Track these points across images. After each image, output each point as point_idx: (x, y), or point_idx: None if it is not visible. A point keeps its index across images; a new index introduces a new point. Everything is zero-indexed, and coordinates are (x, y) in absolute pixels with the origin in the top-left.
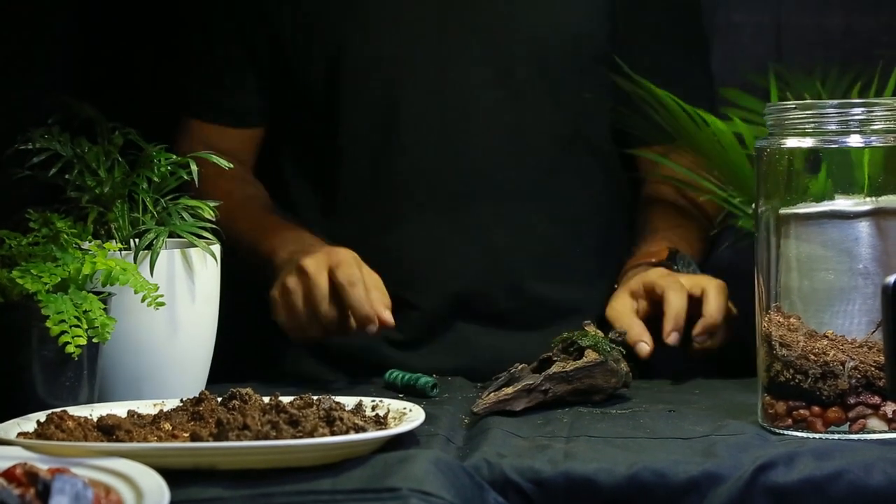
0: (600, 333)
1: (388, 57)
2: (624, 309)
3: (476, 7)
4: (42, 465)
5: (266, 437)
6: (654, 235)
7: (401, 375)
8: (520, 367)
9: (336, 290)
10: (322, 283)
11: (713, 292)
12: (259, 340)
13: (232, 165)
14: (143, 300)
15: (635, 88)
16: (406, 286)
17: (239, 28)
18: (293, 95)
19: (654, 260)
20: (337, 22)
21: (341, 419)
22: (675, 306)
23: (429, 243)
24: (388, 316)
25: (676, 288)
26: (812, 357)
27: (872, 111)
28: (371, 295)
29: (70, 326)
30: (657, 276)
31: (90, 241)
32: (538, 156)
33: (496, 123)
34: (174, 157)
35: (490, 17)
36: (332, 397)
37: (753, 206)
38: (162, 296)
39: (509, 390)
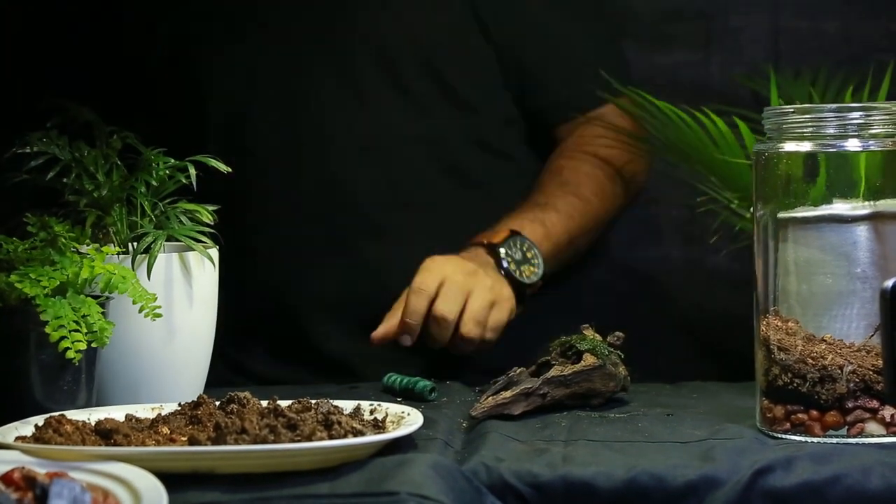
0: (598, 337)
1: (233, 66)
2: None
3: (325, 19)
4: (40, 469)
5: (264, 441)
6: (519, 210)
7: (399, 379)
8: (518, 371)
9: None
10: None
11: (476, 302)
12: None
13: (231, 170)
14: (140, 310)
15: (620, 101)
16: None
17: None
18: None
19: (485, 241)
20: (182, 29)
21: (339, 423)
22: (404, 306)
23: (290, 256)
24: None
25: (418, 293)
26: (810, 361)
27: (870, 115)
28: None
29: (69, 331)
30: (449, 270)
31: (88, 245)
32: (404, 167)
33: (349, 133)
34: (172, 160)
35: (336, 27)
36: (331, 401)
37: (751, 209)
38: (159, 307)
39: (507, 394)
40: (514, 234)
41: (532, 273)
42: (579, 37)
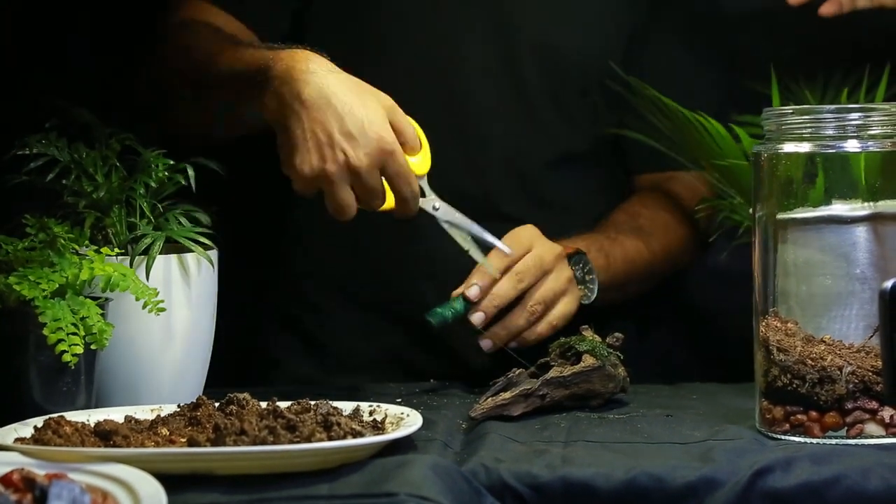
0: (598, 338)
1: (396, 63)
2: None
3: (489, 19)
4: (39, 471)
5: (263, 443)
6: (590, 235)
7: (450, 312)
8: (517, 372)
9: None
10: (376, 182)
11: (552, 283)
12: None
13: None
14: (144, 306)
15: (635, 96)
16: (405, 295)
17: None
18: None
19: None
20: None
21: (339, 424)
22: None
23: (425, 253)
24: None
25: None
26: (809, 362)
27: (870, 116)
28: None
29: (67, 334)
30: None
31: (87, 247)
32: (543, 169)
33: (503, 133)
34: (171, 162)
35: (503, 29)
36: (330, 402)
37: (751, 210)
38: (162, 301)
39: (507, 395)
40: (581, 252)
41: (584, 296)
42: (700, 72)
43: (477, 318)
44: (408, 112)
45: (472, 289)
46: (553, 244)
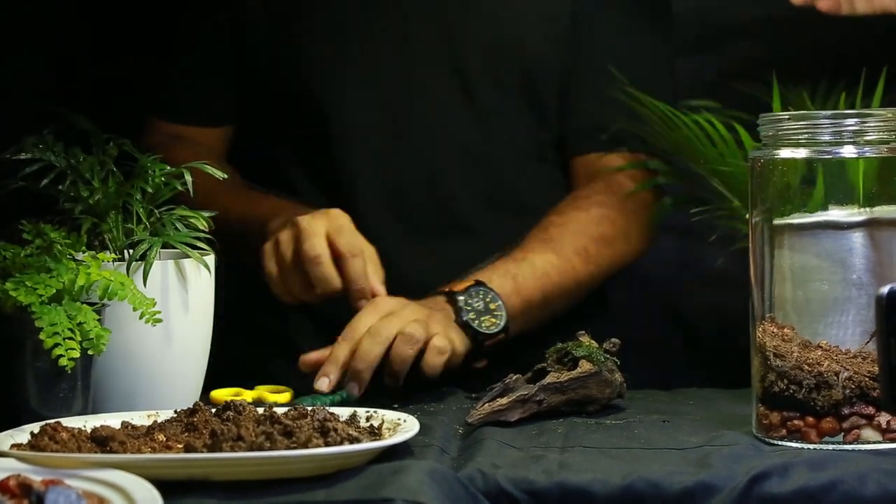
0: (594, 344)
1: (346, 66)
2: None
3: (434, 19)
4: (36, 477)
5: (260, 448)
6: (493, 264)
7: (317, 400)
8: (514, 378)
9: (334, 256)
10: (319, 244)
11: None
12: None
13: (227, 176)
14: (140, 317)
15: (629, 101)
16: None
17: (211, 35)
18: (266, 99)
19: (446, 289)
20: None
21: (335, 430)
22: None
23: (388, 253)
24: (382, 290)
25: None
26: (806, 368)
27: (866, 122)
28: (368, 268)
29: (63, 339)
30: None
31: (84, 252)
32: (500, 167)
33: (458, 134)
34: (168, 167)
35: (448, 29)
36: (327, 408)
37: (747, 216)
38: (159, 312)
39: (503, 401)
40: (479, 283)
41: (493, 324)
42: (652, 59)
43: (321, 384)
44: (363, 124)
45: (321, 381)
46: (418, 307)
